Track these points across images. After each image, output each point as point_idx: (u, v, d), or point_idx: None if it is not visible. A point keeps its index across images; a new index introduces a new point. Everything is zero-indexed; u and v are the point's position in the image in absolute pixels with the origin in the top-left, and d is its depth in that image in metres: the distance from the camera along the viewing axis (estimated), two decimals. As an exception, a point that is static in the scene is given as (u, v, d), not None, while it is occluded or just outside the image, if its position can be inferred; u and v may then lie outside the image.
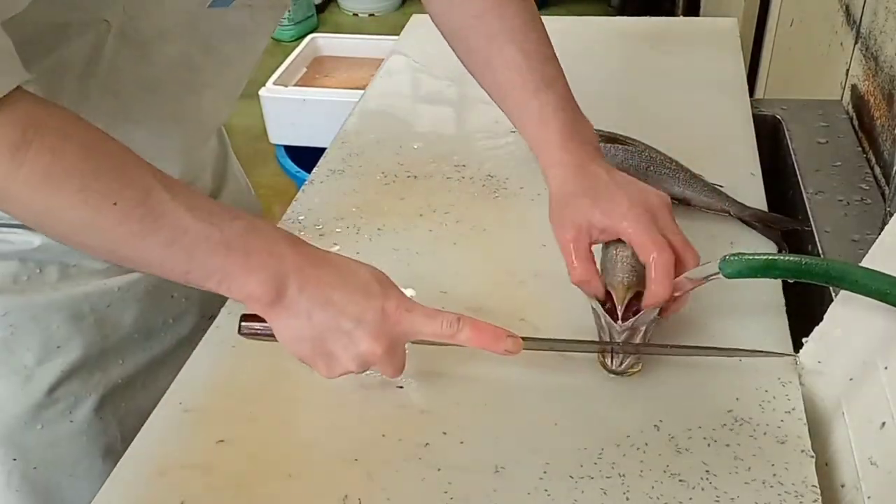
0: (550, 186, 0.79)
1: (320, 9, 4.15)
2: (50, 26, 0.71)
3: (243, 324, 0.71)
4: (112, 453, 0.90)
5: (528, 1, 0.87)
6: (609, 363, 0.73)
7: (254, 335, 0.71)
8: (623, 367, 0.73)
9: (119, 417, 0.91)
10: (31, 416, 0.86)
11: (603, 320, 0.74)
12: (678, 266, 0.72)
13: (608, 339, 0.73)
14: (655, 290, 0.71)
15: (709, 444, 0.68)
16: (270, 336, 0.70)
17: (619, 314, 0.73)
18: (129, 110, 0.79)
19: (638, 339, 0.73)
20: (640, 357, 0.73)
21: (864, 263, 0.68)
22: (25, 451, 0.87)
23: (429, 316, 0.68)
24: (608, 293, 0.75)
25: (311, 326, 0.67)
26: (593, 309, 0.75)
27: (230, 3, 0.79)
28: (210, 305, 1.00)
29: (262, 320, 0.69)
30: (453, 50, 0.91)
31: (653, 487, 0.65)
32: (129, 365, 0.91)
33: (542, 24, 0.86)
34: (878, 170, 1.05)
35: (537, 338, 0.73)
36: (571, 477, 0.66)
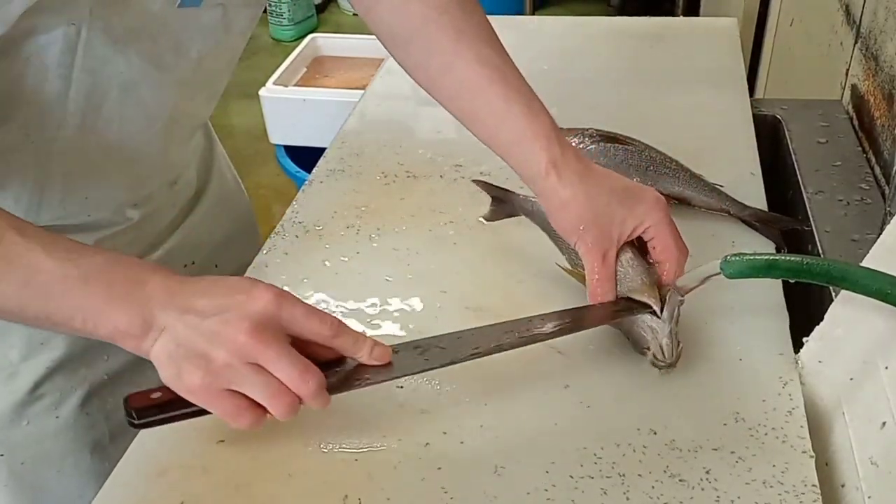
0: (554, 194, 0.75)
1: (320, 9, 4.15)
2: (18, 30, 0.70)
3: (134, 418, 0.64)
4: (100, 448, 0.90)
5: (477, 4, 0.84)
6: (662, 356, 0.72)
7: (151, 421, 0.64)
8: (677, 352, 0.72)
9: (106, 413, 0.91)
10: (16, 412, 0.86)
11: (646, 324, 0.73)
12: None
13: (650, 343, 0.72)
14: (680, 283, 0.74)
15: (709, 444, 0.68)
16: (171, 413, 0.64)
17: (662, 312, 0.72)
18: (102, 109, 0.79)
19: (675, 325, 0.73)
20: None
21: (865, 263, 0.68)
22: (12, 447, 0.87)
23: (307, 311, 0.64)
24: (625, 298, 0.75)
25: (178, 337, 0.62)
26: (628, 321, 0.74)
27: (200, 2, 0.79)
28: None
29: (152, 406, 0.64)
30: (392, 53, 0.86)
31: (653, 487, 0.65)
32: (114, 360, 0.91)
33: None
34: (878, 170, 1.05)
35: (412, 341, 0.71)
36: (571, 477, 0.66)
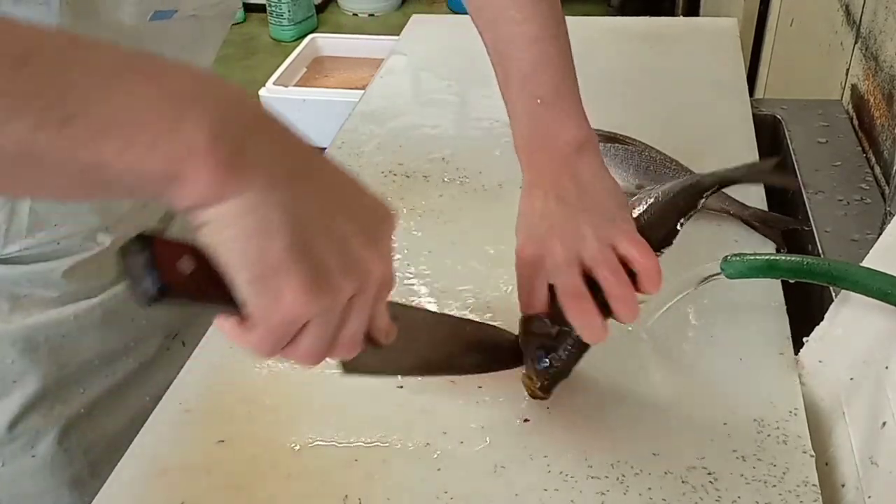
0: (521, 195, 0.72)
1: (320, 9, 4.14)
2: None
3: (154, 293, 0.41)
4: (79, 484, 0.87)
5: None
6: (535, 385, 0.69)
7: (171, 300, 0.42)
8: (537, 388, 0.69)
9: (84, 447, 0.88)
10: None
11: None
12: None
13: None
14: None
15: (709, 444, 0.68)
16: (199, 301, 0.43)
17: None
18: None
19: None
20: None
21: (865, 263, 0.68)
22: None
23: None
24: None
25: (298, 218, 0.42)
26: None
27: (172, 15, 0.76)
28: (174, 324, 0.96)
29: (183, 283, 0.41)
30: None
31: (650, 488, 0.65)
32: (90, 393, 0.88)
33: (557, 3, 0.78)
34: (878, 170, 1.05)
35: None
36: (572, 476, 0.66)
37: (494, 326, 0.77)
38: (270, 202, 0.41)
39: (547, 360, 0.68)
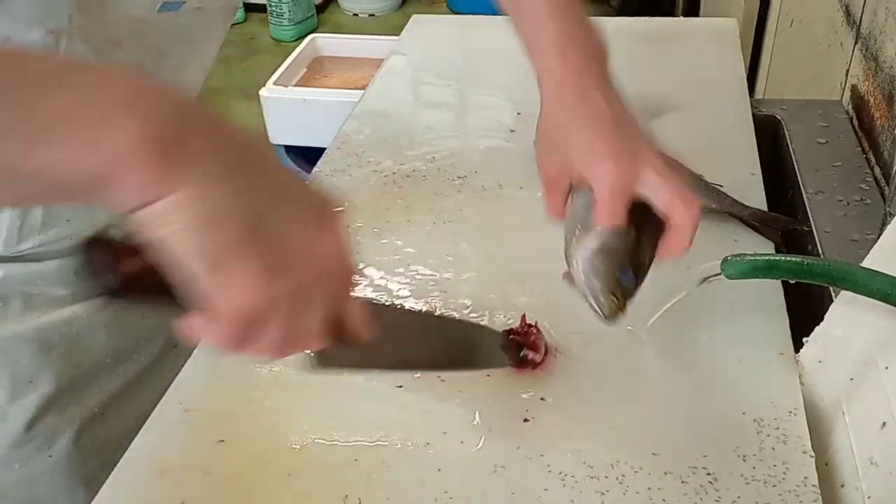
0: (542, 102, 0.71)
1: (320, 9, 4.14)
2: None
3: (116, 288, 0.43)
4: (93, 482, 0.84)
5: None
6: (599, 313, 0.66)
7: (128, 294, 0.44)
8: (613, 306, 0.65)
9: (98, 446, 0.88)
10: (8, 455, 0.84)
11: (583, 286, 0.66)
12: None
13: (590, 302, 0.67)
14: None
15: (709, 444, 0.68)
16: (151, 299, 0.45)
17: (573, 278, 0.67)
18: None
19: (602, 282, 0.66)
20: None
21: (865, 263, 0.68)
22: (3, 491, 0.85)
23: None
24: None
25: (246, 209, 0.42)
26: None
27: (180, 6, 0.77)
28: None
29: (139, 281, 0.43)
30: None
31: (650, 488, 0.65)
32: (104, 392, 0.89)
33: None
34: (878, 170, 1.05)
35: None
36: (571, 476, 0.66)
37: (480, 325, 0.78)
38: (216, 192, 0.40)
39: (632, 275, 0.66)
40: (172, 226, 0.40)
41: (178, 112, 0.41)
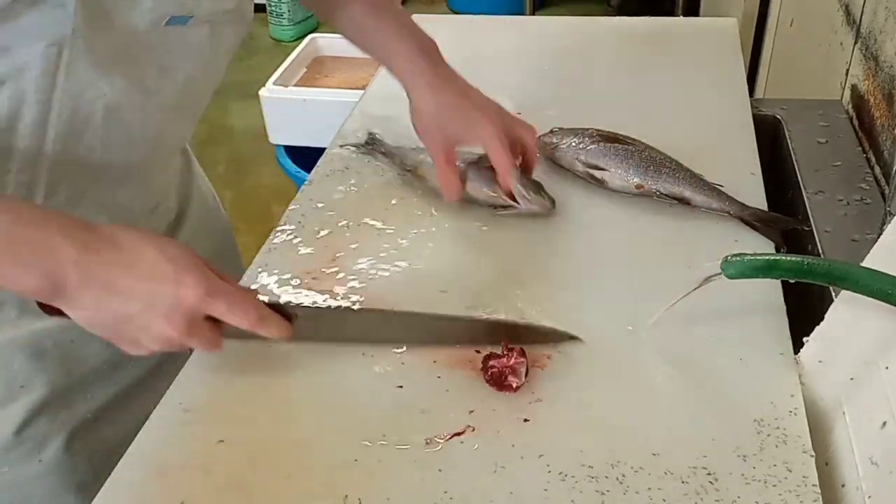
0: (410, 97, 0.94)
1: (320, 9, 4.14)
2: None
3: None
4: (83, 489, 0.86)
5: None
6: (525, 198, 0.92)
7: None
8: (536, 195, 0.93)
9: (89, 453, 0.87)
10: None
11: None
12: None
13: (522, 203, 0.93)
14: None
15: (709, 444, 0.68)
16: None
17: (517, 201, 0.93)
18: (84, 137, 0.76)
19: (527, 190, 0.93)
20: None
21: (865, 263, 0.68)
22: None
23: (230, 304, 0.69)
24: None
25: (102, 316, 0.66)
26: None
27: (187, 21, 0.76)
28: None
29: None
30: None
31: (650, 488, 0.65)
32: (96, 399, 0.88)
33: None
34: (878, 170, 1.05)
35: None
36: (572, 476, 0.66)
37: (451, 316, 0.81)
38: (84, 314, 0.68)
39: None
40: (74, 317, 0.68)
41: (63, 269, 0.64)
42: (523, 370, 0.73)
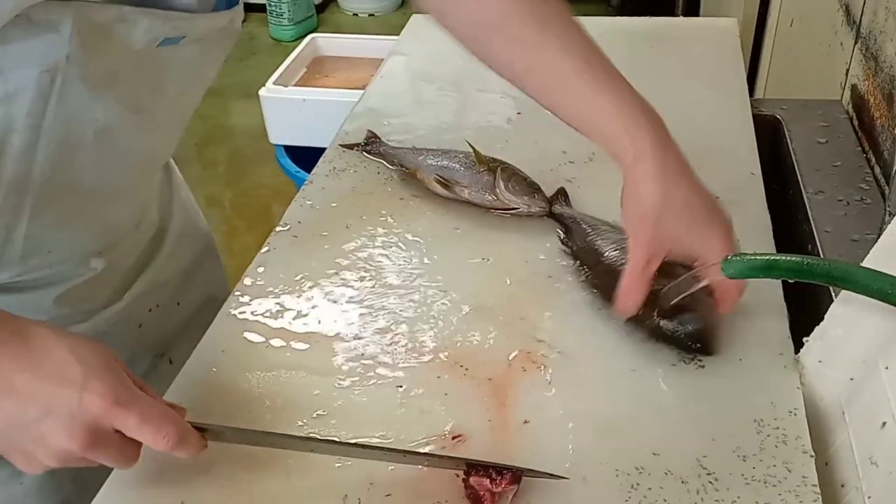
0: (632, 183, 0.74)
1: (320, 9, 4.14)
2: None
3: None
4: None
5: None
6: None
7: None
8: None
9: (73, 473, 0.82)
10: None
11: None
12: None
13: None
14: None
15: (709, 444, 0.68)
16: None
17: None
18: (75, 155, 0.73)
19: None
20: None
21: (865, 263, 0.68)
22: None
23: (143, 417, 0.60)
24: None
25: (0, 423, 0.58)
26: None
27: (180, 40, 0.75)
28: (162, 344, 0.95)
29: None
30: (471, 51, 0.82)
31: (650, 488, 0.65)
32: None
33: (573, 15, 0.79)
34: (878, 170, 1.05)
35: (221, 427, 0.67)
36: (571, 477, 0.66)
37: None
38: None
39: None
40: None
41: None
42: (510, 497, 0.63)
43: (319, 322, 0.82)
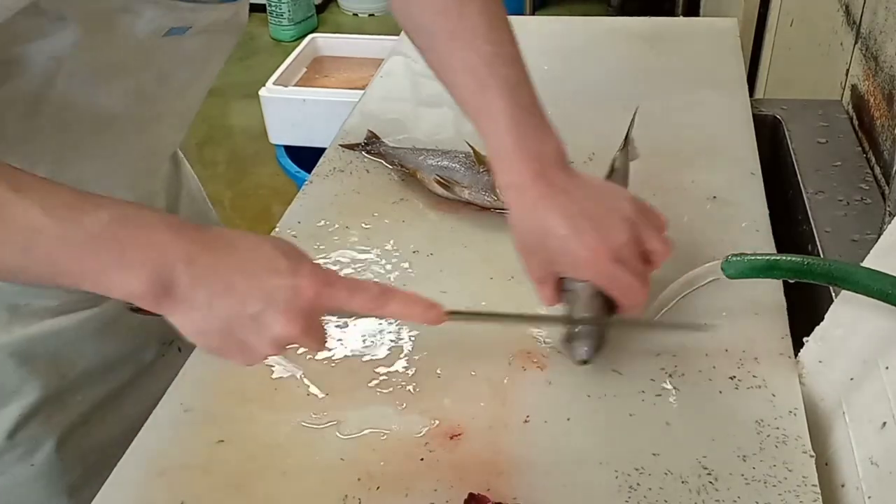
0: (511, 210, 0.75)
1: (320, 9, 4.15)
2: None
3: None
4: (75, 491, 0.86)
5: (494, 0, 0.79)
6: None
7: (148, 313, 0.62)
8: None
9: (81, 455, 0.87)
10: None
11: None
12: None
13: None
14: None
15: (709, 444, 0.68)
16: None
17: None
18: (79, 145, 0.74)
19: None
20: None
21: (865, 263, 0.68)
22: None
23: (350, 289, 0.62)
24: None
25: (215, 317, 0.59)
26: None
27: (186, 30, 0.75)
28: (171, 331, 0.96)
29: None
30: (416, 47, 0.85)
31: (650, 488, 0.65)
32: (88, 401, 0.87)
33: (508, 22, 0.79)
34: (878, 170, 1.05)
35: (463, 311, 0.70)
36: (572, 476, 0.66)
37: None
38: (195, 316, 0.60)
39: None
40: (174, 324, 0.61)
41: (174, 269, 0.58)
42: None
43: (319, 322, 0.82)
